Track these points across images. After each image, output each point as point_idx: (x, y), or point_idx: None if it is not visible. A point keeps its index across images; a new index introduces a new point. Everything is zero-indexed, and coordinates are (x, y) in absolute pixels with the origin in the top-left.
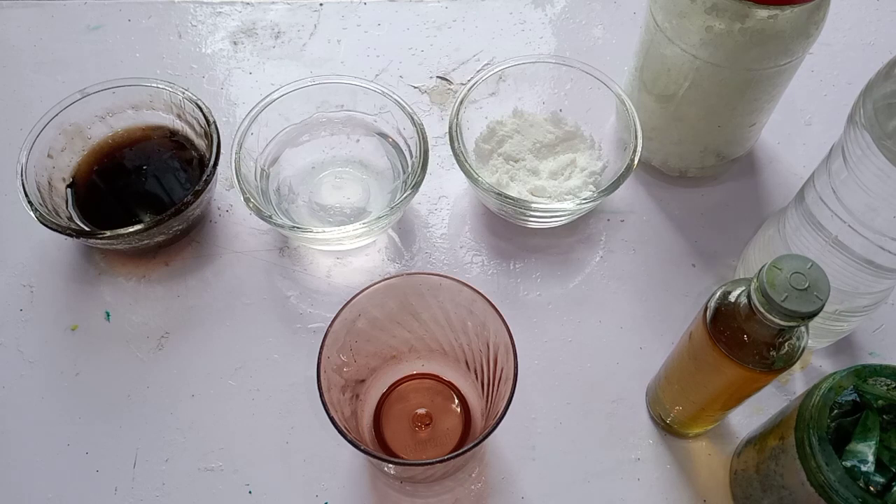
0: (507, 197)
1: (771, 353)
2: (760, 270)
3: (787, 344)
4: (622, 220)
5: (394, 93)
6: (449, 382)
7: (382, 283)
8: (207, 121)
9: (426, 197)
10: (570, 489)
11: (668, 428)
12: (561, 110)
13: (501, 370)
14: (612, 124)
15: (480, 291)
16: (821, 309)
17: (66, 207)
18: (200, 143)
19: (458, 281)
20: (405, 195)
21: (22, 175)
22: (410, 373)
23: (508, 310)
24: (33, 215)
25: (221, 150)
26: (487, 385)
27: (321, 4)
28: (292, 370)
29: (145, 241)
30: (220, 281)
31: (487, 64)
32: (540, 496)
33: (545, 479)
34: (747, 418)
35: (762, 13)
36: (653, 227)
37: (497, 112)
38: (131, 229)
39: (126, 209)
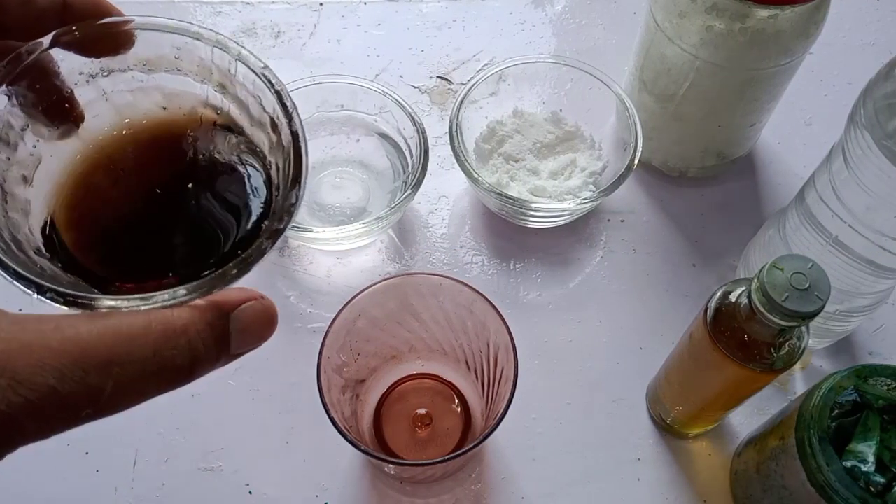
0: (507, 197)
1: (771, 354)
2: (761, 270)
3: (787, 344)
4: (622, 220)
5: (394, 92)
6: (449, 382)
7: (382, 283)
8: (284, 105)
9: (426, 197)
10: (570, 489)
11: (669, 428)
12: (561, 110)
13: (502, 370)
14: (612, 124)
15: (481, 291)
16: (821, 309)
17: (34, 234)
18: (259, 138)
19: (458, 281)
20: (405, 195)
21: None
22: (410, 373)
23: (508, 310)
24: None
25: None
26: (487, 385)
27: (321, 4)
28: (292, 370)
29: None
30: None
31: (487, 64)
32: (540, 496)
33: (545, 479)
34: (748, 418)
35: (762, 13)
36: (653, 227)
37: (497, 112)
38: (165, 299)
39: (145, 238)
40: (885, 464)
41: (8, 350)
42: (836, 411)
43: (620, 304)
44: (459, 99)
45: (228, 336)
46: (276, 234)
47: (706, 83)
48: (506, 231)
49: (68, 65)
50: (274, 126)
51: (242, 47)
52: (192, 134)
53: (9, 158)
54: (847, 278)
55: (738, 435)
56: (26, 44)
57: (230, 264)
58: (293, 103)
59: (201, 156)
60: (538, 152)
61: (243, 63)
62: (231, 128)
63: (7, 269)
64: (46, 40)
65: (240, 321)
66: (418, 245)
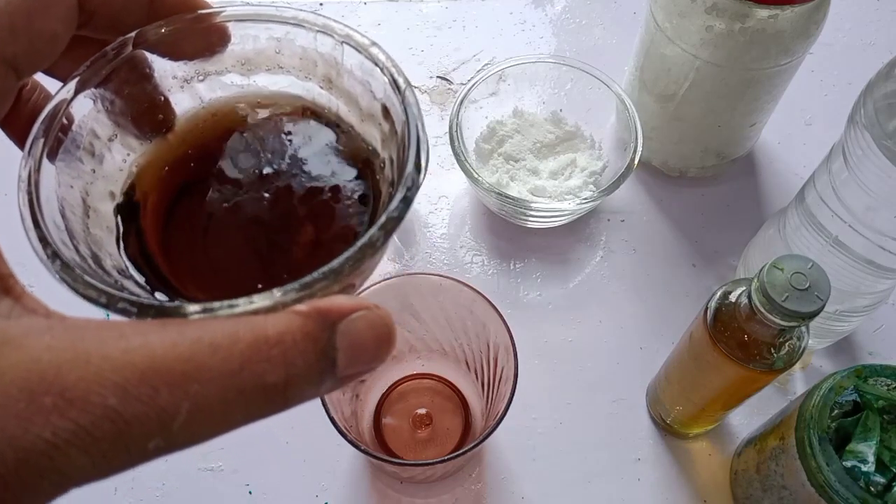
0: (507, 197)
1: (771, 353)
2: (761, 270)
3: (787, 344)
4: (622, 220)
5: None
6: (449, 382)
7: (382, 283)
8: (395, 83)
9: (426, 197)
10: (570, 489)
11: (669, 428)
12: (561, 110)
13: (502, 370)
14: (612, 124)
15: (481, 292)
16: (821, 309)
17: (119, 252)
18: (371, 134)
19: (458, 281)
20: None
21: (30, 194)
22: (410, 373)
23: (508, 310)
24: (56, 273)
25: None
26: (487, 385)
27: (321, 4)
28: None
29: None
30: None
31: (487, 64)
32: (540, 496)
33: (545, 479)
34: (747, 418)
35: (762, 13)
36: (653, 227)
37: (497, 112)
38: (255, 302)
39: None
40: (884, 464)
41: (58, 361)
42: (836, 411)
43: (620, 304)
44: (459, 99)
45: (334, 352)
46: (391, 223)
47: (706, 83)
48: (506, 231)
49: (160, 67)
50: (386, 112)
51: (347, 26)
52: (292, 138)
53: (94, 171)
54: (847, 278)
55: (738, 435)
56: (112, 40)
57: (337, 259)
58: (406, 79)
59: (303, 165)
60: (538, 152)
61: (350, 45)
62: (338, 125)
63: (74, 276)
64: (131, 38)
65: (349, 334)
66: (418, 245)
